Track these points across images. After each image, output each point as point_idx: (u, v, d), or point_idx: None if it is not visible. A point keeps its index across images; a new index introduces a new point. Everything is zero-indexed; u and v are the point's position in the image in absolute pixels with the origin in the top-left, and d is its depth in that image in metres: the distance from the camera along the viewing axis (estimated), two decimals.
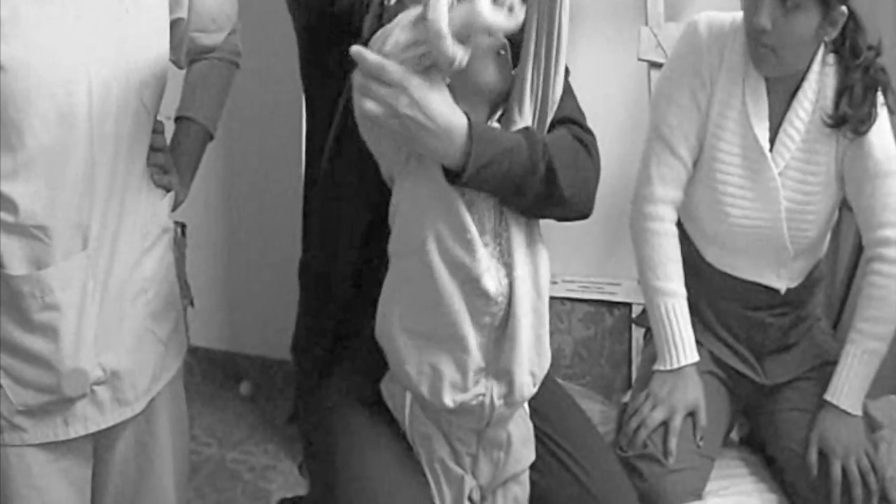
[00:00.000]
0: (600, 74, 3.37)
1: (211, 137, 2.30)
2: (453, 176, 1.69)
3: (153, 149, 2.04)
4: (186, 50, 2.19)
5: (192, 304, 4.13)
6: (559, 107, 1.82)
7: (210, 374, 4.19)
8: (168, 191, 2.12)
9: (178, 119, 2.26)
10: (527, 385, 1.84)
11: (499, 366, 1.81)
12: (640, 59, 3.22)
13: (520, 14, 1.63)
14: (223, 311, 4.18)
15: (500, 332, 1.80)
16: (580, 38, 3.34)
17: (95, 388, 1.96)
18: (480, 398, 1.81)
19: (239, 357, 4.17)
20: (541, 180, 1.75)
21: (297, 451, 2.37)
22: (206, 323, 4.17)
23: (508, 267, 1.77)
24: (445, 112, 1.65)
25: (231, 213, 4.00)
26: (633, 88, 3.36)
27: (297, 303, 2.13)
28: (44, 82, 1.78)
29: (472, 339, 1.77)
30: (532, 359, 1.82)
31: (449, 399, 1.79)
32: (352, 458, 1.91)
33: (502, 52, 1.75)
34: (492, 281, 1.75)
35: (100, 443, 2.07)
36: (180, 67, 2.25)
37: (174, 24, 2.07)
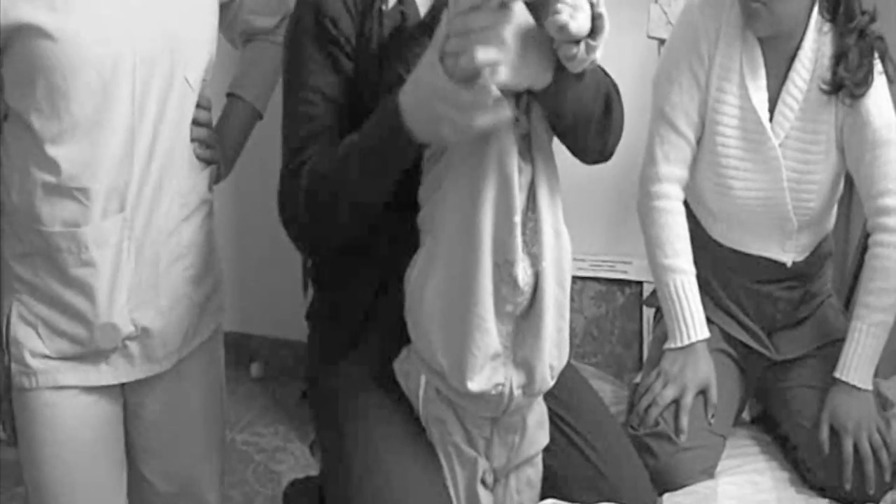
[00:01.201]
0: (609, 52, 3.29)
1: (260, 117, 2.38)
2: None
3: (196, 123, 2.11)
4: (241, 31, 2.29)
5: None
6: None
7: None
8: (210, 164, 2.19)
9: (228, 95, 2.35)
10: (546, 377, 1.83)
11: (519, 356, 1.80)
12: (649, 37, 3.21)
13: None
14: (233, 292, 4.14)
15: (522, 322, 1.80)
16: None
17: (127, 342, 2.07)
18: (500, 388, 1.80)
19: (250, 338, 4.17)
20: (602, 104, 1.79)
21: (308, 432, 2.37)
22: None
23: (534, 257, 1.76)
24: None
25: (241, 194, 3.99)
26: (642, 66, 3.34)
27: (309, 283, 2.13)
28: (91, 55, 1.88)
29: (493, 325, 1.76)
30: (552, 351, 1.82)
31: (473, 384, 1.78)
32: (363, 439, 1.91)
33: None
34: (521, 271, 1.74)
35: (130, 399, 2.18)
36: (235, 47, 2.34)
37: (227, 4, 2.17)
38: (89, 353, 2.04)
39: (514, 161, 1.69)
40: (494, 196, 1.70)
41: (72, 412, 2.07)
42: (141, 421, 2.21)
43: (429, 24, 1.83)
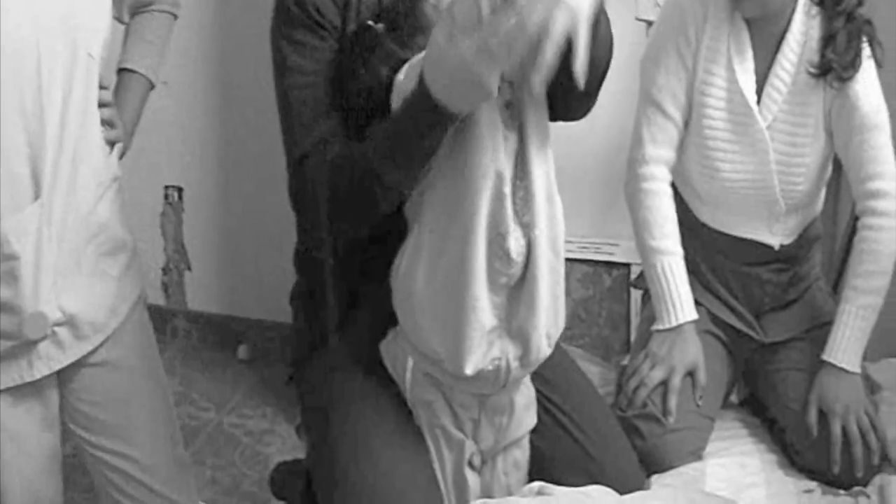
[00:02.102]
0: None
1: (152, 86, 2.33)
2: None
3: (100, 105, 2.07)
4: (128, 4, 2.24)
5: (189, 268, 4.15)
6: None
7: (208, 337, 4.19)
8: (116, 143, 2.16)
9: (119, 71, 2.30)
10: (543, 346, 1.83)
11: (514, 327, 1.80)
12: (637, 19, 3.21)
13: None
14: (220, 274, 4.17)
15: (516, 291, 1.79)
16: None
17: (56, 329, 2.01)
18: (496, 362, 1.80)
19: (237, 320, 4.16)
20: (608, 45, 1.81)
21: (295, 414, 2.38)
22: (203, 286, 4.17)
23: (526, 227, 1.75)
24: None
25: (227, 176, 3.98)
26: (630, 48, 3.33)
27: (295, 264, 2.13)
28: None
29: (488, 302, 1.76)
30: (548, 318, 1.81)
31: (469, 366, 1.78)
32: (349, 423, 1.91)
33: None
34: (514, 241, 1.74)
35: (63, 377, 2.11)
36: (122, 22, 2.28)
37: None
38: (20, 347, 1.99)
39: (499, 133, 1.70)
40: (482, 170, 1.70)
41: (8, 412, 2.02)
42: (75, 394, 2.15)
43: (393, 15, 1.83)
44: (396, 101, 1.74)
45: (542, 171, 1.76)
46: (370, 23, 1.83)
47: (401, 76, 1.75)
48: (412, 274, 1.80)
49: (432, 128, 1.66)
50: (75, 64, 1.93)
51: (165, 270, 4.17)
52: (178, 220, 4.11)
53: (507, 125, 1.73)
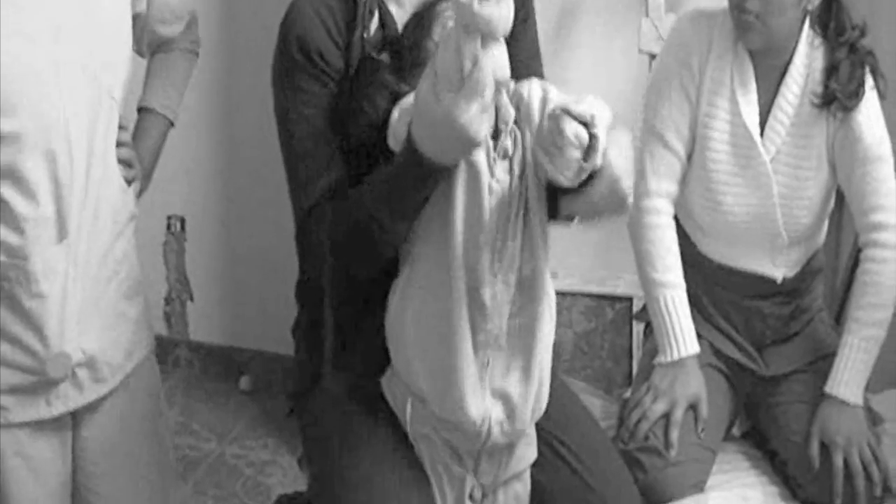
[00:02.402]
0: (600, 66, 3.36)
1: (171, 125, 2.35)
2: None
3: (118, 144, 2.10)
4: (147, 41, 2.25)
5: (191, 298, 4.15)
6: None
7: (210, 368, 4.18)
8: (133, 182, 2.19)
9: (140, 110, 2.32)
10: (525, 417, 1.85)
11: (497, 387, 1.82)
12: (640, 51, 3.21)
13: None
14: (223, 305, 4.17)
15: (497, 352, 1.81)
16: (581, 30, 3.33)
17: (76, 369, 2.04)
18: (478, 423, 1.81)
19: (239, 351, 4.16)
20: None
21: (297, 445, 2.37)
22: (205, 317, 4.17)
23: (507, 284, 1.78)
24: None
25: (230, 207, 3.98)
26: (633, 81, 3.35)
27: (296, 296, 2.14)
28: (17, 85, 1.84)
29: (470, 354, 1.77)
30: (528, 387, 1.84)
31: (452, 413, 1.80)
32: (350, 456, 1.91)
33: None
34: (489, 296, 1.75)
35: (76, 418, 2.14)
36: (143, 56, 2.30)
37: (135, 17, 2.12)
38: (41, 385, 2.01)
39: (484, 186, 1.71)
40: (464, 220, 1.72)
41: (26, 441, 2.05)
42: (90, 431, 2.16)
43: (398, 47, 1.84)
44: (391, 139, 1.76)
45: (533, 243, 1.79)
46: (374, 54, 1.84)
47: (395, 114, 1.76)
48: (402, 311, 1.82)
49: (423, 180, 1.68)
50: (99, 106, 1.97)
51: (168, 300, 4.17)
52: (180, 249, 4.12)
53: (500, 180, 1.75)
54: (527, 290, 1.80)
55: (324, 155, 1.87)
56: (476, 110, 1.56)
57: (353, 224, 1.76)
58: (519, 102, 1.75)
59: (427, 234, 1.77)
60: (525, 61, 1.97)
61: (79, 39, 1.93)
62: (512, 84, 1.73)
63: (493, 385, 1.81)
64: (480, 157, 1.71)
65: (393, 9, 1.92)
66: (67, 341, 2.00)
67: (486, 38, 1.56)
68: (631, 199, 1.75)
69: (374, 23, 1.89)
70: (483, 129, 1.59)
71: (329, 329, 2.00)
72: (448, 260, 1.73)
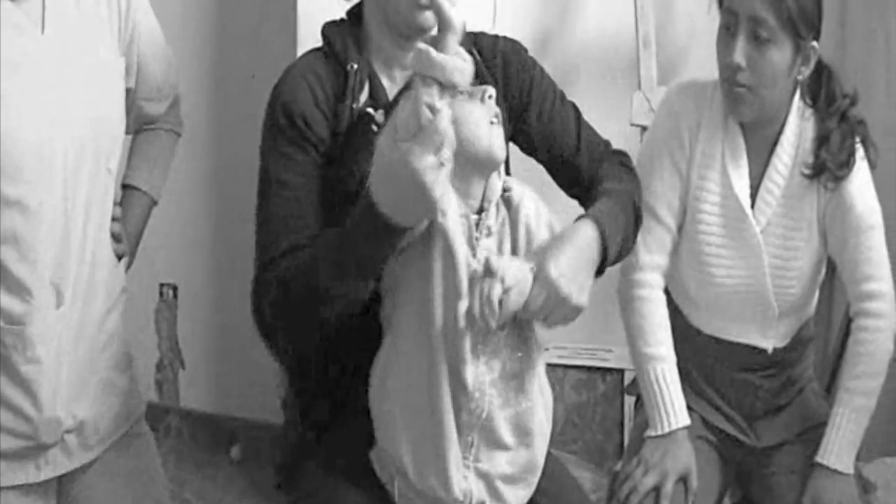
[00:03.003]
0: None
1: (154, 203, 2.38)
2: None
3: (112, 218, 2.14)
4: (133, 118, 2.27)
5: (183, 365, 4.14)
6: (586, 138, 2.02)
7: (201, 437, 4.16)
8: (121, 256, 2.21)
9: (124, 187, 2.33)
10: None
11: (481, 469, 1.82)
12: (632, 124, 3.23)
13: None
14: (214, 373, 4.16)
15: (480, 433, 1.81)
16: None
17: (65, 435, 2.06)
18: (460, 503, 1.81)
19: (230, 420, 4.14)
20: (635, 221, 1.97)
21: None
22: (196, 384, 4.16)
23: (490, 366, 1.79)
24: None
25: (222, 275, 3.99)
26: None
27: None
28: (21, 152, 1.89)
29: (453, 431, 1.77)
30: (512, 472, 1.85)
31: (432, 490, 1.79)
32: None
33: (494, 120, 1.75)
34: (471, 376, 1.75)
35: (63, 482, 2.15)
36: (129, 132, 2.30)
37: (126, 93, 2.16)
38: (31, 449, 2.03)
39: (460, 262, 1.72)
40: (442, 295, 1.72)
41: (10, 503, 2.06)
42: (72, 496, 2.16)
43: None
44: None
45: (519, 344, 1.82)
46: (369, 110, 1.85)
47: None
48: (384, 381, 1.83)
49: (376, 237, 1.65)
50: (97, 177, 2.02)
51: (159, 367, 4.17)
52: (172, 317, 4.12)
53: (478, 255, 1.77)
54: (513, 382, 1.81)
55: (292, 218, 1.85)
56: (432, 162, 1.55)
57: (298, 274, 1.75)
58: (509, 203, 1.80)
59: (407, 302, 1.77)
60: (559, 123, 2.07)
61: (83, 112, 1.98)
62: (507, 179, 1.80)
63: (478, 466, 1.80)
64: (455, 227, 1.72)
65: (385, 82, 1.94)
66: (60, 407, 2.02)
67: (445, 87, 1.58)
68: (576, 302, 1.88)
69: (364, 94, 1.90)
70: (439, 185, 1.56)
71: (316, 400, 2.00)
72: (429, 334, 1.73)
